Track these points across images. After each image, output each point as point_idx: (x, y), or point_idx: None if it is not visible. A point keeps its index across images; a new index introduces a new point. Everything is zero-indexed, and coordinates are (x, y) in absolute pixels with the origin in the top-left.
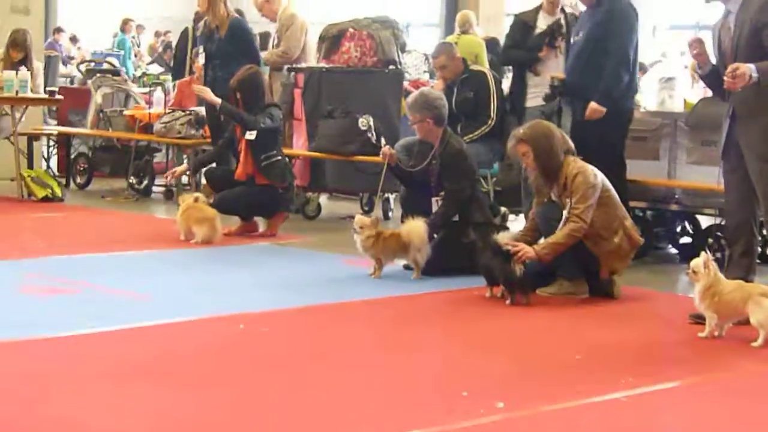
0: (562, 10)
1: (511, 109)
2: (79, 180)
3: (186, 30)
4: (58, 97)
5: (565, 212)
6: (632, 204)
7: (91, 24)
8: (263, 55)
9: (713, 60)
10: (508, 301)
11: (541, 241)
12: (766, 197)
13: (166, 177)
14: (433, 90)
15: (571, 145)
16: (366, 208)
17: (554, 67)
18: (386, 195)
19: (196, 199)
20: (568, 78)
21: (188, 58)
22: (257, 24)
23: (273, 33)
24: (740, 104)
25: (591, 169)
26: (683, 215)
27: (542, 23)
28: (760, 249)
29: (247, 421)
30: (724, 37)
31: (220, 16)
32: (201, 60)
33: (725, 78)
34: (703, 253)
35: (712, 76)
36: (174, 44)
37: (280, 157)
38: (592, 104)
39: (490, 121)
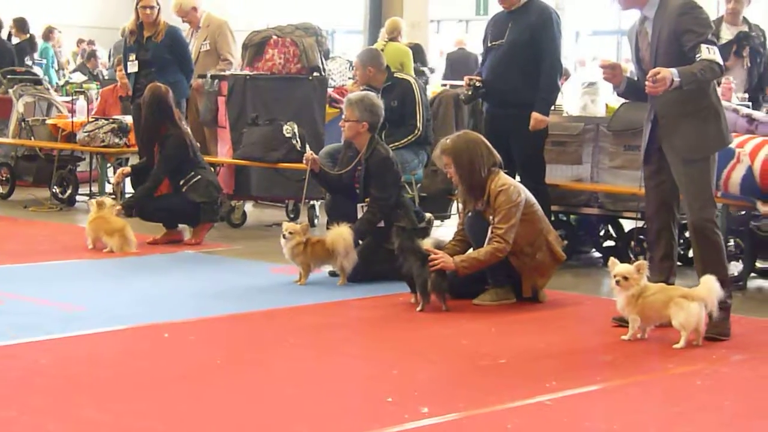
0: (745, 20)
1: None
2: (1, 190)
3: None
4: None
5: (490, 229)
6: (556, 208)
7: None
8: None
9: (630, 68)
10: (418, 308)
11: (470, 251)
12: (688, 200)
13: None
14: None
15: (498, 158)
16: (292, 216)
17: (740, 77)
18: (312, 202)
19: (101, 205)
20: (490, 81)
21: None
22: None
23: (192, 40)
24: (662, 108)
25: (514, 186)
26: (606, 219)
27: (726, 34)
28: (682, 252)
29: (171, 430)
30: (641, 42)
31: (159, 24)
32: (132, 68)
33: (646, 83)
34: (639, 259)
35: (629, 90)
36: (97, 53)
37: (200, 176)
38: (536, 115)
39: (416, 131)
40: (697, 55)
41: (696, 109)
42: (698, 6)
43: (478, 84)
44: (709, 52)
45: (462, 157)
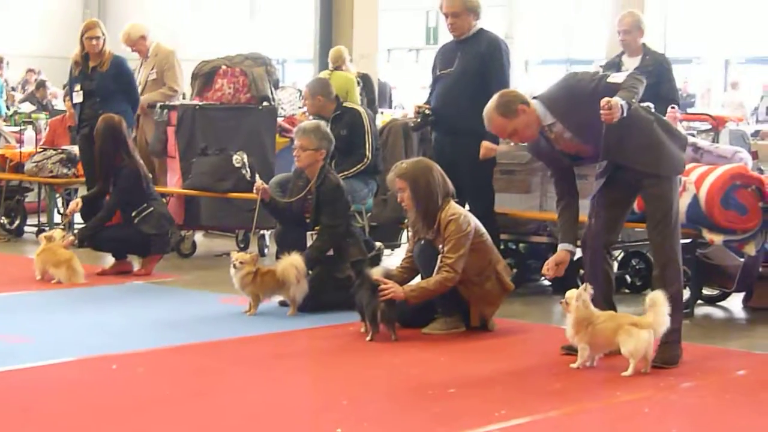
0: (644, 48)
1: None
2: None
3: None
4: None
5: (440, 258)
6: (505, 237)
7: None
8: (151, 95)
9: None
10: (368, 338)
11: (418, 278)
12: (664, 217)
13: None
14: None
15: (451, 187)
16: (242, 245)
17: None
18: (262, 232)
19: (49, 239)
20: (439, 109)
21: None
22: None
23: (141, 69)
24: (624, 160)
25: (465, 215)
26: (555, 247)
27: (630, 64)
28: (629, 279)
29: None
30: (562, 144)
31: (104, 54)
32: (78, 98)
33: (602, 113)
34: (583, 286)
35: (572, 232)
36: (47, 83)
37: (152, 208)
38: (486, 143)
39: (365, 160)
40: (614, 87)
41: (653, 141)
42: (572, 76)
43: (427, 112)
44: (615, 76)
45: (419, 183)
